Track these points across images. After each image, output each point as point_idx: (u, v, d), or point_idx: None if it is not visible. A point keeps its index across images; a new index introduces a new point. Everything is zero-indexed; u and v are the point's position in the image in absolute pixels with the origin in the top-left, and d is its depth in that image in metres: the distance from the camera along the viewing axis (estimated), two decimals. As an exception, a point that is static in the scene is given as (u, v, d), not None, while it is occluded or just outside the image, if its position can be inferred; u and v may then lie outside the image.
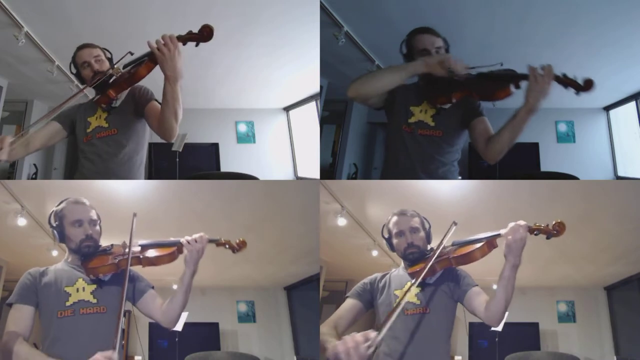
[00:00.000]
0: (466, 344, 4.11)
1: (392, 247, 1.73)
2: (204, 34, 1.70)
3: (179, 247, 1.57)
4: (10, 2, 2.86)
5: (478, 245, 1.56)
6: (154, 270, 1.60)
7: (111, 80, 1.93)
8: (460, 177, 2.08)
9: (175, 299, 1.55)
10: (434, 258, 1.57)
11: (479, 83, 1.87)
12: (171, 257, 1.57)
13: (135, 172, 2.06)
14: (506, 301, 1.46)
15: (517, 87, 1.79)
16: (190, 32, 1.71)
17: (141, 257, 1.57)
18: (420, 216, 1.74)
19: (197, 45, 1.72)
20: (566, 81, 1.68)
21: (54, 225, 1.60)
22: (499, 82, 1.82)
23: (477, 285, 1.62)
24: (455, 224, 1.64)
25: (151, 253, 1.57)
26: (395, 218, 1.72)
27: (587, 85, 1.67)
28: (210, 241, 1.58)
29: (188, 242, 1.54)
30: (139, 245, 1.59)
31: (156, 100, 1.99)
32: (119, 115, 2.02)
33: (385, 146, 2.21)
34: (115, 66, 1.97)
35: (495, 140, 1.85)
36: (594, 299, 4.27)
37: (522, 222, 1.46)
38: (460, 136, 2.03)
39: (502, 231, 1.49)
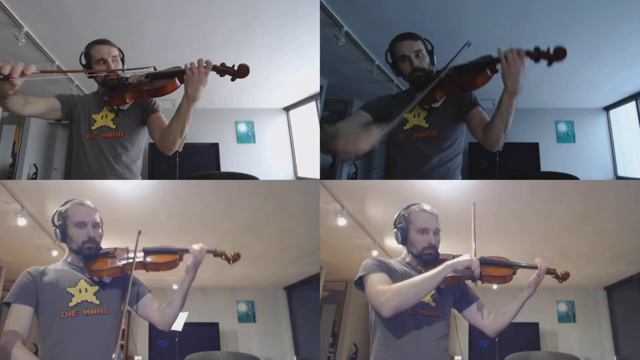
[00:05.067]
0: (466, 344, 4.11)
1: (405, 239, 1.66)
2: (241, 72, 1.80)
3: (180, 254, 1.63)
4: (10, 2, 2.85)
5: (509, 272, 1.65)
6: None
7: (128, 84, 1.93)
8: (461, 177, 2.08)
9: (172, 303, 1.59)
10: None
11: (457, 76, 1.87)
12: (173, 265, 1.64)
13: (136, 178, 2.11)
14: (511, 321, 1.64)
15: (494, 70, 1.80)
16: (226, 66, 1.79)
17: (145, 262, 1.61)
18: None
19: (232, 80, 1.81)
20: (537, 54, 1.67)
21: (57, 224, 1.61)
22: (475, 70, 1.83)
23: (479, 297, 1.68)
24: (474, 204, 1.65)
25: (154, 259, 1.63)
26: (423, 214, 1.65)
27: (558, 53, 1.65)
28: (208, 252, 1.63)
29: (190, 251, 1.59)
30: (142, 250, 1.63)
31: (161, 112, 2.04)
32: (127, 119, 2.04)
33: (385, 156, 2.21)
34: (135, 72, 1.96)
35: (490, 128, 1.85)
36: (594, 299, 4.27)
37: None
38: (457, 132, 2.02)
39: (536, 264, 1.64)
